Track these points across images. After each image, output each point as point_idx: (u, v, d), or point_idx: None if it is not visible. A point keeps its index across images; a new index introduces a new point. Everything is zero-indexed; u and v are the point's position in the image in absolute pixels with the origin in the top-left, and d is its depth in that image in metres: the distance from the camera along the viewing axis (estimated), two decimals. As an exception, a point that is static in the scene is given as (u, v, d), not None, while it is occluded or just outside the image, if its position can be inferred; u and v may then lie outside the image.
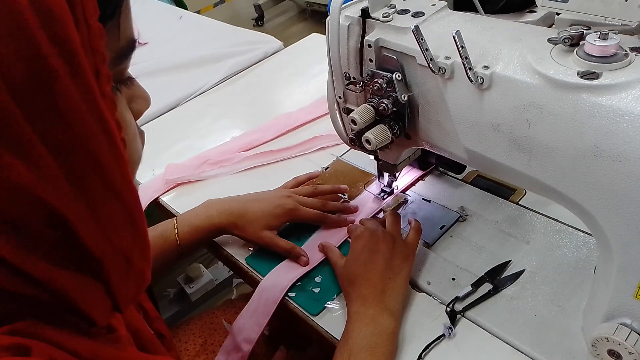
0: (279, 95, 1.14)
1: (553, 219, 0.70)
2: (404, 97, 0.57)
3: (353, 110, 0.60)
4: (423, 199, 0.78)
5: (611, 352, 0.50)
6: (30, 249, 0.28)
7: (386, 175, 0.77)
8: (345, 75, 0.62)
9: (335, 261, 0.68)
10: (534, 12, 0.96)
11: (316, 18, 3.30)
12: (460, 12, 0.58)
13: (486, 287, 0.63)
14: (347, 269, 0.65)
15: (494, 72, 0.48)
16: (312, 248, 0.72)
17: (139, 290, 0.36)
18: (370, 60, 0.58)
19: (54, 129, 0.26)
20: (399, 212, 0.75)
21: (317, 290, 0.68)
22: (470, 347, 0.58)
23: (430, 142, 0.61)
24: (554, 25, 0.88)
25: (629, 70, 0.42)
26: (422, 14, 0.56)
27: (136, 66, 1.22)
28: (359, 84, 0.61)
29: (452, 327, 0.60)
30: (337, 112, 0.68)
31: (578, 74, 0.43)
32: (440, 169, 0.81)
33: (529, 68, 0.46)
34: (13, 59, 0.24)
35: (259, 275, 0.71)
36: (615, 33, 0.44)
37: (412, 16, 0.56)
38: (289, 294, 0.67)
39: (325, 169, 0.87)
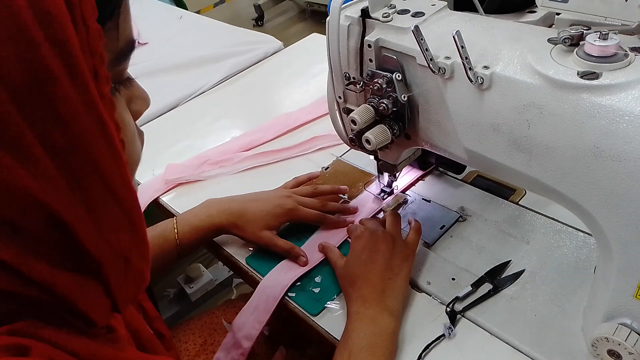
0: (279, 95, 1.14)
1: (553, 219, 0.70)
2: (404, 97, 0.57)
3: (353, 110, 0.60)
4: (423, 199, 0.78)
5: (611, 352, 0.50)
6: (30, 251, 0.28)
7: (386, 175, 0.77)
8: (345, 75, 0.62)
9: (335, 261, 0.68)
10: (534, 12, 0.96)
11: (316, 18, 3.30)
12: (460, 12, 0.58)
13: (486, 287, 0.64)
14: (347, 269, 0.65)
15: (494, 72, 0.48)
16: (311, 248, 0.72)
17: (138, 291, 0.36)
18: (370, 60, 0.58)
19: (52, 131, 0.26)
20: (399, 212, 0.75)
21: (317, 290, 0.68)
22: (470, 347, 0.58)
23: (430, 142, 0.61)
24: (554, 26, 0.88)
25: (629, 70, 0.42)
26: (422, 14, 0.56)
27: (136, 66, 1.22)
28: (359, 84, 0.61)
29: (452, 327, 0.60)
30: (337, 112, 0.68)
31: (578, 74, 0.43)
32: (440, 169, 0.81)
33: (529, 68, 0.46)
34: (11, 61, 0.24)
35: (259, 275, 0.71)
36: (615, 33, 0.44)
37: (412, 16, 0.56)
38: (289, 294, 0.67)
39: (325, 169, 0.87)
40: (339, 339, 0.59)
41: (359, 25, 0.58)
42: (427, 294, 0.65)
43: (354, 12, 0.58)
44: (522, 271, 0.65)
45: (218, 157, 0.92)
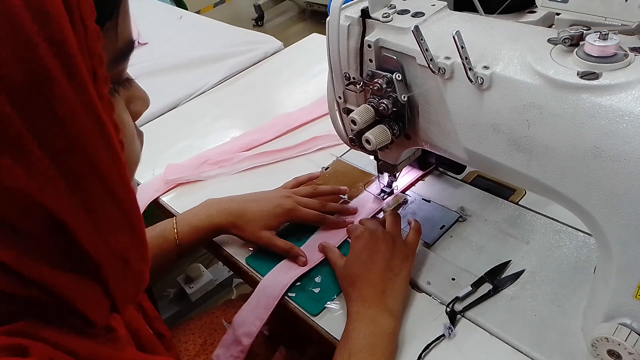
0: (279, 95, 1.14)
1: (553, 219, 0.70)
2: (404, 97, 0.57)
3: (353, 110, 0.60)
4: (423, 199, 0.78)
5: (611, 352, 0.50)
6: (29, 252, 0.28)
7: (386, 175, 0.77)
8: (345, 75, 0.62)
9: (335, 261, 0.68)
10: (534, 12, 0.96)
11: (316, 18, 3.30)
12: (460, 13, 0.58)
13: (486, 287, 0.64)
14: (347, 269, 0.65)
15: (493, 72, 0.48)
16: (311, 248, 0.72)
17: (137, 291, 0.36)
18: (370, 60, 0.58)
19: (50, 132, 0.26)
20: (398, 212, 0.75)
21: (317, 290, 0.68)
22: (470, 347, 0.58)
23: (430, 143, 0.61)
24: (553, 26, 0.88)
25: (628, 70, 0.42)
26: (422, 14, 0.56)
27: (136, 66, 1.23)
28: (359, 84, 0.61)
29: (452, 327, 0.60)
30: (337, 112, 0.68)
31: (578, 74, 0.43)
32: (440, 169, 0.81)
33: (528, 68, 0.46)
34: (9, 62, 0.24)
35: (258, 276, 0.71)
36: (615, 33, 0.44)
37: (412, 16, 0.56)
38: (289, 294, 0.67)
39: (325, 169, 0.87)
40: (338, 339, 0.59)
41: (359, 25, 0.58)
42: (427, 294, 0.65)
43: (354, 12, 0.58)
44: (522, 271, 0.65)
45: (218, 157, 0.92)
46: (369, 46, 0.57)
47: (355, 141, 0.66)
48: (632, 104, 0.41)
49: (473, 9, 0.74)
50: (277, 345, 0.78)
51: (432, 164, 0.78)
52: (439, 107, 0.55)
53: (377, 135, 0.58)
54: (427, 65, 0.51)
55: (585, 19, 0.77)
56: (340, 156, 0.90)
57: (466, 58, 0.48)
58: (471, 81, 0.49)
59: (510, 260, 0.66)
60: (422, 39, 0.50)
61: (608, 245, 0.47)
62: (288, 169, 0.87)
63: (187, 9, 1.84)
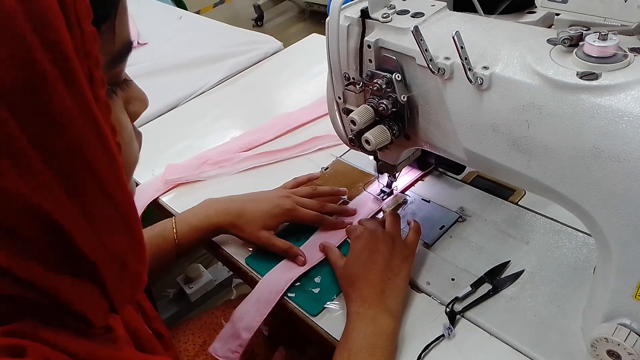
0: (279, 95, 1.14)
1: (552, 219, 0.70)
2: (404, 97, 0.57)
3: (353, 110, 0.60)
4: (422, 199, 0.78)
5: (610, 353, 0.50)
6: (26, 255, 0.28)
7: (386, 175, 0.77)
8: (345, 75, 0.62)
9: (335, 261, 0.68)
10: (534, 12, 0.96)
11: (316, 18, 3.30)
12: (459, 13, 0.58)
13: (486, 287, 0.64)
14: (347, 269, 0.65)
15: (493, 72, 0.48)
16: (310, 249, 0.72)
17: (135, 292, 0.36)
18: (370, 60, 0.58)
19: (46, 135, 0.26)
20: (398, 212, 0.75)
21: (316, 290, 0.68)
22: (470, 348, 0.58)
23: (429, 143, 0.61)
24: (553, 26, 0.88)
25: (628, 70, 0.42)
26: (422, 14, 0.56)
27: (136, 66, 1.23)
28: (358, 85, 0.61)
29: (451, 327, 0.60)
30: (336, 112, 0.68)
31: (577, 74, 0.43)
32: (440, 170, 0.81)
33: (528, 69, 0.46)
34: (4, 65, 0.24)
35: (258, 276, 0.71)
36: (614, 34, 0.44)
37: (412, 17, 0.56)
38: (289, 294, 0.67)
39: (325, 170, 0.87)
40: (338, 340, 0.59)
41: (359, 25, 0.58)
42: (426, 294, 0.65)
43: (354, 12, 0.58)
44: (522, 271, 0.65)
45: (218, 157, 0.92)
46: (369, 46, 0.57)
47: (355, 141, 0.66)
48: (631, 105, 0.41)
49: (473, 10, 0.74)
50: (276, 346, 0.78)
51: (431, 164, 0.78)
52: (439, 108, 0.55)
53: (376, 135, 0.58)
54: (426, 66, 0.51)
55: (584, 19, 0.77)
56: (340, 156, 0.90)
57: (466, 58, 0.48)
58: (471, 81, 0.49)
59: (509, 261, 0.66)
60: (421, 40, 0.50)
61: (607, 246, 0.47)
62: (288, 169, 0.87)
63: (186, 9, 1.84)
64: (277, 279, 0.68)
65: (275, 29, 3.37)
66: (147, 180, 0.91)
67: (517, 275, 0.64)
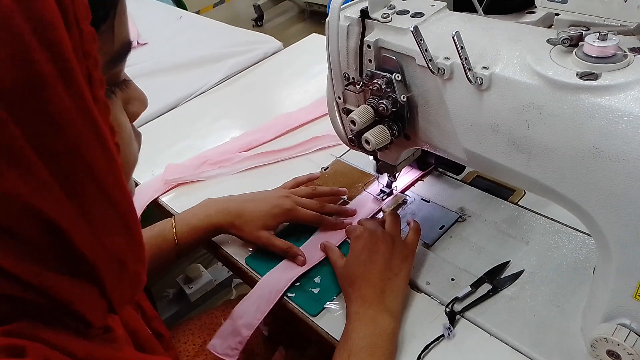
0: (279, 95, 1.14)
1: (552, 219, 0.70)
2: (404, 97, 0.57)
3: (352, 110, 0.60)
4: (422, 199, 0.78)
5: (610, 353, 0.50)
6: (25, 255, 0.28)
7: (385, 175, 0.77)
8: (345, 75, 0.62)
9: (335, 261, 0.68)
10: (533, 12, 0.96)
11: (316, 18, 3.30)
12: (459, 13, 0.58)
13: (485, 287, 0.64)
14: (347, 269, 0.65)
15: (493, 72, 0.48)
16: (310, 249, 0.72)
17: (134, 293, 0.36)
18: (370, 60, 0.58)
19: (45, 136, 0.26)
20: (398, 212, 0.75)
21: (316, 290, 0.68)
22: (470, 348, 0.58)
23: (429, 143, 0.61)
24: (553, 26, 0.88)
25: (628, 71, 0.42)
26: (422, 14, 0.56)
27: (136, 66, 1.23)
28: (358, 85, 0.61)
29: (451, 327, 0.60)
30: (336, 112, 0.68)
31: (577, 74, 0.43)
32: (440, 170, 0.81)
33: (528, 69, 0.46)
34: (3, 65, 0.24)
35: (258, 276, 0.71)
36: (614, 34, 0.44)
37: (412, 17, 0.56)
38: (289, 294, 0.67)
39: (325, 170, 0.87)
40: (338, 340, 0.59)
41: (359, 25, 0.58)
42: (426, 294, 0.65)
43: (354, 12, 0.58)
44: (522, 271, 0.65)
45: (218, 157, 0.92)
46: (369, 46, 0.57)
47: (355, 141, 0.66)
48: (631, 105, 0.41)
49: (472, 10, 0.74)
50: (276, 346, 0.78)
51: (431, 164, 0.78)
52: (439, 108, 0.55)
53: (376, 135, 0.58)
54: (426, 66, 0.51)
55: (584, 19, 0.77)
56: (340, 156, 0.90)
57: (465, 58, 0.48)
58: (470, 81, 0.49)
59: (509, 261, 0.66)
60: (421, 40, 0.50)
61: (607, 246, 0.47)
62: (288, 169, 0.87)
63: (186, 9, 1.84)
64: (277, 279, 0.68)
65: (275, 29, 3.37)
66: (147, 180, 0.91)
67: (517, 275, 0.64)
